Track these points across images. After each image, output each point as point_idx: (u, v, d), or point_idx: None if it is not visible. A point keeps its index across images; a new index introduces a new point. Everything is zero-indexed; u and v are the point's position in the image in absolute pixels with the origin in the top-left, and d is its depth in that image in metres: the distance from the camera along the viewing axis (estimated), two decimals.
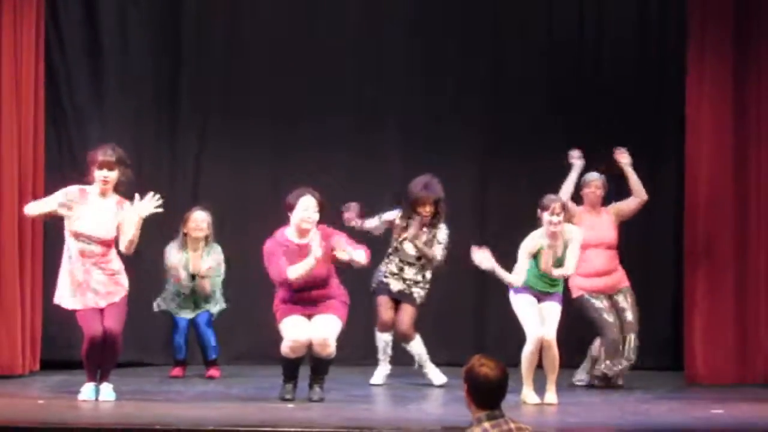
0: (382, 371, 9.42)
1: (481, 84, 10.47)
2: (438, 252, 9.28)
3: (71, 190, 8.14)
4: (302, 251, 8.15)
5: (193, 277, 9.62)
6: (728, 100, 9.69)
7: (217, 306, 9.74)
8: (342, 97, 10.41)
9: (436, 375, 9.36)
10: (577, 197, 9.47)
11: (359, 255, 8.15)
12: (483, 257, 8.36)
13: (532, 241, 8.52)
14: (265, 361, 9.60)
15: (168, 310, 9.71)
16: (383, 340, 9.40)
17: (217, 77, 10.52)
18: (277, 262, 8.15)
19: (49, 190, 8.94)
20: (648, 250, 10.45)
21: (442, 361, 9.46)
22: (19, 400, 8.20)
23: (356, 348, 9.85)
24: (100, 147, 8.21)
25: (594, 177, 9.49)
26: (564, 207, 8.59)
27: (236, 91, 10.45)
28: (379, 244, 9.18)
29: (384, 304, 9.34)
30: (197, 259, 9.63)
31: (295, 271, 8.10)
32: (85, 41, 10.09)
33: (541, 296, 8.54)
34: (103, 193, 8.13)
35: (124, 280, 8.22)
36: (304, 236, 8.23)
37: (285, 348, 8.21)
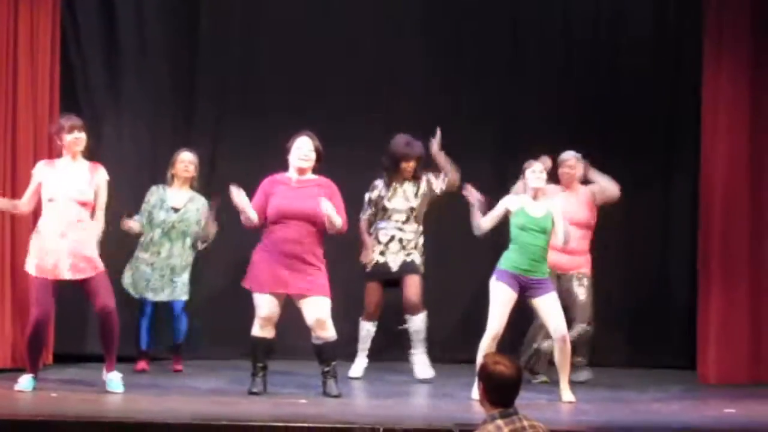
0: (361, 363, 9.41)
1: (495, 82, 10.44)
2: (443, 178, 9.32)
3: (39, 164, 8.26)
4: (300, 189, 8.24)
5: (175, 210, 9.43)
6: (745, 102, 9.66)
7: (185, 292, 9.45)
8: (357, 96, 10.40)
9: (423, 367, 9.26)
10: (554, 177, 9.25)
11: (338, 218, 8.19)
12: (471, 192, 8.41)
13: (515, 196, 8.48)
14: (276, 357, 9.61)
15: (137, 296, 9.41)
16: (366, 329, 9.39)
17: (233, 74, 10.52)
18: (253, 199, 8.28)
19: None
20: (663, 250, 10.43)
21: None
22: (33, 393, 8.20)
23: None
24: (60, 117, 8.38)
25: (568, 156, 9.37)
26: (546, 171, 8.49)
27: (252, 88, 10.45)
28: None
29: (372, 290, 9.34)
30: (178, 196, 9.47)
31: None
32: (101, 37, 10.09)
33: (529, 283, 8.30)
34: (74, 156, 8.19)
35: (98, 259, 8.13)
36: (303, 175, 8.32)
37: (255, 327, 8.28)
